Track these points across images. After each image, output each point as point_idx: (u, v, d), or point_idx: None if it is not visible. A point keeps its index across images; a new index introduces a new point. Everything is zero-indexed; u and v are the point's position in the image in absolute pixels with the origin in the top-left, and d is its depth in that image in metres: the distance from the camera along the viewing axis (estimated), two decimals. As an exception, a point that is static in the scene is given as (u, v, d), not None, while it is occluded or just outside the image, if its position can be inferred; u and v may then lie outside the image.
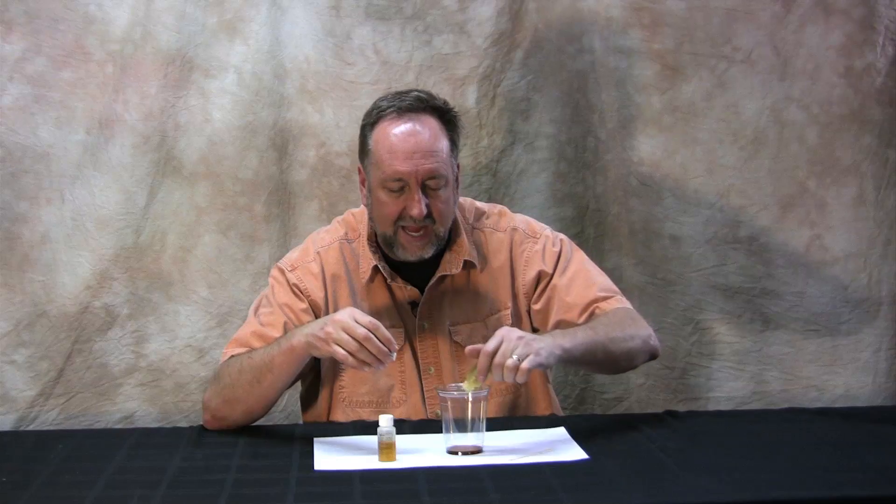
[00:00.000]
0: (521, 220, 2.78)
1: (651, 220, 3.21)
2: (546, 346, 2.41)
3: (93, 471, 2.28)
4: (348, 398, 2.69)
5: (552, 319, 2.68)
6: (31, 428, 3.05)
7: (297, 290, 2.69)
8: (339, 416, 2.70)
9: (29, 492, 2.18)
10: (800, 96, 3.21)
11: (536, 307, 2.71)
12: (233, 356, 2.63)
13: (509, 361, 2.33)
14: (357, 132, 3.12)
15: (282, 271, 2.72)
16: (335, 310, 2.65)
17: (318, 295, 2.68)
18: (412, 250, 2.63)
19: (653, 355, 2.66)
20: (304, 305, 2.68)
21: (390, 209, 2.60)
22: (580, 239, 3.19)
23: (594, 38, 3.19)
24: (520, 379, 2.34)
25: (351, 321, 2.38)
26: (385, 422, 2.30)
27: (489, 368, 2.35)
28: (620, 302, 2.69)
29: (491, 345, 2.36)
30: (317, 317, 2.66)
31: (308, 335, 2.46)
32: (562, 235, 2.78)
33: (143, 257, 3.11)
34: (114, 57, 3.07)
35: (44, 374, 3.08)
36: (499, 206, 2.81)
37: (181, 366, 3.12)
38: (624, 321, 2.63)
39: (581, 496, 2.10)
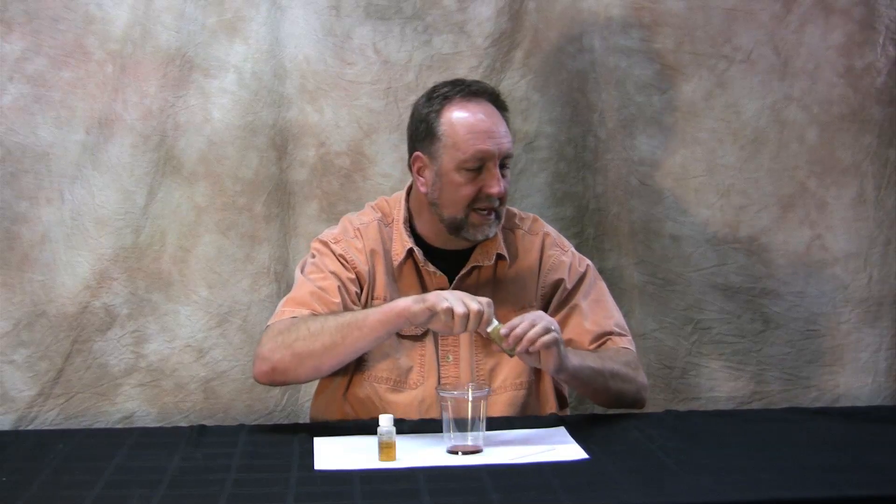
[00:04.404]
0: (552, 229, 2.85)
1: (651, 220, 3.21)
2: (566, 353, 2.50)
3: (93, 471, 2.28)
4: (369, 372, 2.71)
5: (563, 337, 2.71)
6: (30, 428, 3.05)
7: (343, 261, 2.71)
8: (357, 390, 2.71)
9: (29, 492, 2.18)
10: (800, 96, 3.21)
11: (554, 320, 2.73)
12: (295, 317, 2.62)
13: (539, 329, 2.42)
14: (357, 132, 3.13)
15: (325, 243, 2.74)
16: (375, 284, 2.72)
17: (362, 268, 2.71)
18: (482, 229, 2.68)
19: (638, 405, 2.72)
20: (352, 275, 2.70)
21: (466, 190, 2.64)
22: (580, 239, 3.19)
23: (594, 38, 3.19)
24: (528, 348, 2.43)
25: (467, 296, 2.45)
26: (385, 422, 2.30)
27: (521, 330, 2.42)
28: (631, 344, 2.76)
29: (532, 315, 2.45)
30: (362, 289, 2.70)
31: (414, 298, 2.50)
32: (587, 260, 2.83)
33: (142, 257, 3.10)
34: (113, 56, 3.07)
35: (43, 374, 3.08)
36: (532, 214, 2.86)
37: (181, 366, 3.12)
38: (629, 364, 2.70)
39: (581, 496, 2.10)
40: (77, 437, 2.61)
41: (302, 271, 2.73)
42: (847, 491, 2.11)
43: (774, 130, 3.21)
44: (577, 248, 2.99)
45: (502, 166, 2.66)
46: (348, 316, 2.58)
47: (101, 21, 3.06)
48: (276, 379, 2.63)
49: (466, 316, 2.41)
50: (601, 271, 3.15)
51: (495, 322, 2.45)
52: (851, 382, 3.24)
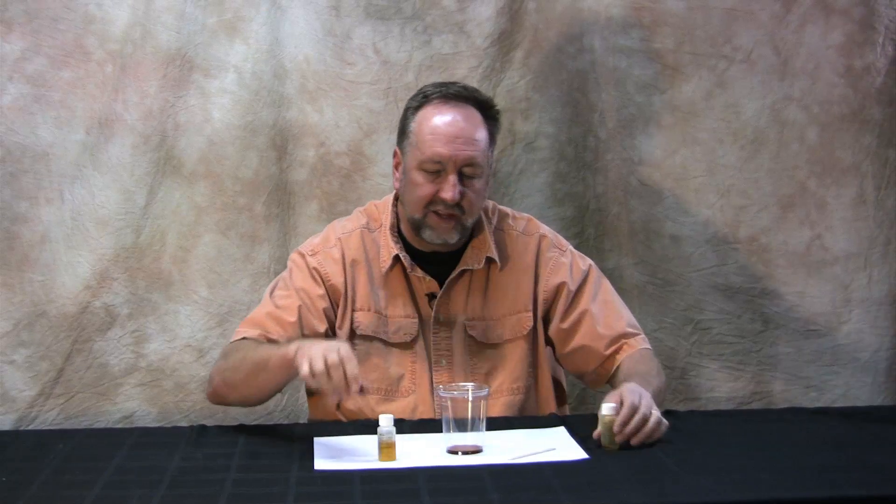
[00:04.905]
0: (548, 230, 2.82)
1: (651, 220, 3.21)
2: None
3: (93, 471, 2.29)
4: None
5: (575, 343, 2.73)
6: (30, 428, 3.05)
7: (316, 275, 2.70)
8: (349, 403, 2.70)
9: (29, 492, 2.18)
10: (800, 96, 3.21)
11: (564, 326, 2.73)
12: (245, 338, 2.64)
13: (651, 426, 2.36)
14: (357, 132, 3.13)
15: (302, 256, 2.74)
16: (355, 295, 2.69)
17: (337, 280, 2.70)
18: (439, 232, 2.65)
19: None
20: (321, 291, 2.69)
21: (424, 191, 2.63)
22: (580, 239, 3.19)
23: (594, 38, 3.19)
24: (654, 436, 2.37)
25: (331, 347, 2.34)
26: (385, 422, 2.30)
27: (629, 422, 2.35)
28: (645, 341, 2.74)
29: (631, 401, 2.37)
30: (334, 302, 2.70)
31: (298, 347, 2.41)
32: (588, 259, 2.81)
33: (142, 257, 3.11)
34: (113, 56, 3.07)
35: (43, 374, 3.08)
36: (527, 214, 2.84)
37: (181, 366, 3.12)
38: (660, 370, 2.67)
39: (581, 496, 2.10)
40: (77, 437, 2.61)
41: (272, 289, 2.72)
42: (847, 491, 2.11)
43: (774, 130, 3.21)
44: (577, 248, 2.99)
45: (466, 175, 2.62)
46: (259, 354, 2.53)
47: (101, 21, 3.06)
48: (219, 402, 2.65)
49: (323, 372, 2.31)
50: (601, 271, 3.15)
51: (607, 410, 2.36)
52: (851, 382, 3.24)
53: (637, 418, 2.35)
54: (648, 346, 2.74)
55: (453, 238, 2.66)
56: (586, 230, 3.23)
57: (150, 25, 3.06)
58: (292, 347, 2.43)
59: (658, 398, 2.53)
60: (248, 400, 2.63)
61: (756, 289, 3.22)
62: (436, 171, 2.62)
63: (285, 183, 3.15)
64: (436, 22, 3.15)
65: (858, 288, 3.23)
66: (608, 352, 2.70)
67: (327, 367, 2.31)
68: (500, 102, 3.15)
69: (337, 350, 2.34)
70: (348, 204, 3.07)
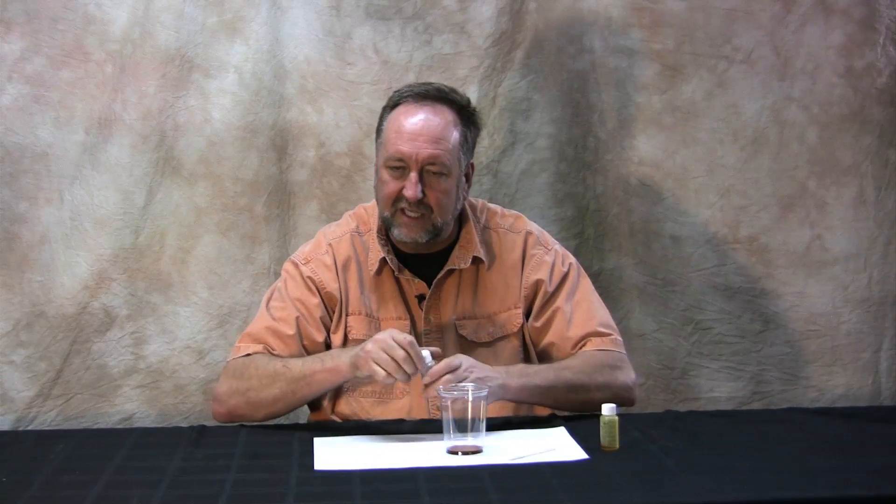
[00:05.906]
0: (535, 227, 2.81)
1: (651, 220, 3.21)
2: (495, 383, 2.49)
3: (93, 471, 2.29)
4: (352, 388, 2.70)
5: (546, 341, 2.72)
6: (29, 429, 3.05)
7: (310, 284, 2.70)
8: (344, 407, 2.71)
9: (29, 492, 2.18)
10: (800, 96, 3.21)
11: (537, 325, 2.73)
12: (251, 354, 2.65)
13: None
14: (357, 132, 3.14)
15: (295, 265, 2.74)
16: (348, 300, 2.68)
17: (332, 286, 2.70)
18: (407, 232, 2.65)
19: (625, 404, 2.66)
20: (317, 300, 2.69)
21: (390, 189, 2.64)
22: (580, 239, 3.19)
23: (594, 38, 3.19)
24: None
25: (391, 341, 2.43)
26: (427, 356, 2.43)
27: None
28: (613, 343, 2.70)
29: (442, 367, 2.45)
30: (330, 310, 2.70)
31: (352, 356, 2.50)
32: (571, 258, 2.79)
33: (142, 258, 3.10)
34: (113, 57, 3.07)
35: (42, 374, 3.07)
36: (515, 212, 2.83)
37: (181, 367, 3.12)
38: (602, 369, 2.64)
39: (581, 496, 2.10)
40: (77, 438, 2.61)
41: (268, 301, 2.73)
42: (847, 491, 2.11)
43: (774, 131, 3.21)
44: (577, 249, 3.00)
45: (432, 173, 2.62)
46: (295, 370, 2.58)
47: (100, 21, 3.06)
48: (234, 420, 2.65)
49: (398, 368, 2.42)
50: (601, 271, 3.15)
51: (607, 410, 2.36)
52: (851, 382, 3.24)
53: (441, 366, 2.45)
54: (616, 348, 2.70)
55: (422, 238, 2.66)
56: (586, 230, 3.23)
57: (149, 25, 3.06)
58: (344, 361, 2.53)
59: (570, 394, 2.58)
60: (275, 415, 2.63)
61: (756, 289, 3.23)
62: (399, 168, 2.63)
63: (285, 183, 3.15)
64: (436, 22, 3.15)
65: (858, 288, 3.23)
66: (573, 351, 2.69)
67: (399, 364, 2.42)
68: (500, 102, 3.17)
69: (393, 339, 2.43)
70: (348, 204, 3.06)
